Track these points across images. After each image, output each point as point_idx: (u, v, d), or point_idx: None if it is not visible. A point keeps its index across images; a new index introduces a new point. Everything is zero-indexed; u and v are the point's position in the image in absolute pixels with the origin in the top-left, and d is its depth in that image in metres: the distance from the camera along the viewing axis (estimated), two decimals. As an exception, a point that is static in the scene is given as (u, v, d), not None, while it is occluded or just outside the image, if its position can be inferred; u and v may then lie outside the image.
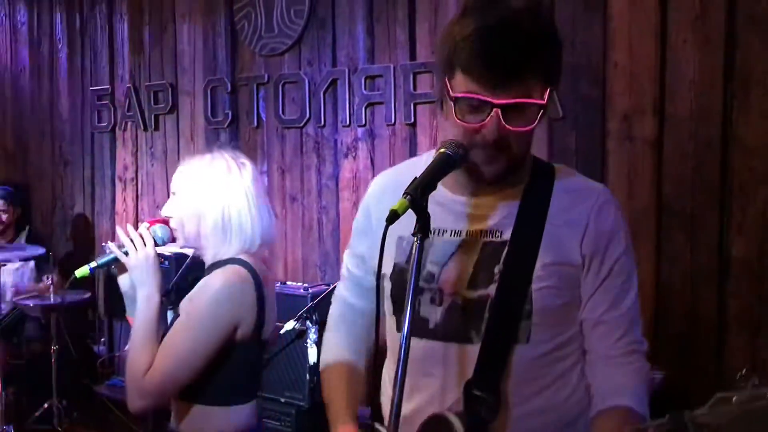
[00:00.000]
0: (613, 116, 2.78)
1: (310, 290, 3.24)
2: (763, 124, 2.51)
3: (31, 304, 3.79)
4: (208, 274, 1.70)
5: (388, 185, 1.41)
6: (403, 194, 1.12)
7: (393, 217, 1.10)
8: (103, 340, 4.41)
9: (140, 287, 1.67)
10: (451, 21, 1.23)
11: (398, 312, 1.34)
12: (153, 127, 4.30)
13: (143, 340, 1.64)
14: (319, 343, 2.99)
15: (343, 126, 3.52)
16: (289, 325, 2.98)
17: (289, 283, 3.50)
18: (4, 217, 4.34)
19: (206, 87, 4.00)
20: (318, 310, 3.02)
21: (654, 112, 2.69)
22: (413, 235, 1.14)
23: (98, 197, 4.68)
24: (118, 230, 1.73)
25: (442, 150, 1.20)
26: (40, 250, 3.97)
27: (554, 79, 1.23)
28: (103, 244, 1.73)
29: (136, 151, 4.44)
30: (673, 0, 2.65)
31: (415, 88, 3.25)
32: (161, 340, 1.66)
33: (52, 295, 3.84)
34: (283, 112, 3.71)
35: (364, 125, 3.44)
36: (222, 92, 3.95)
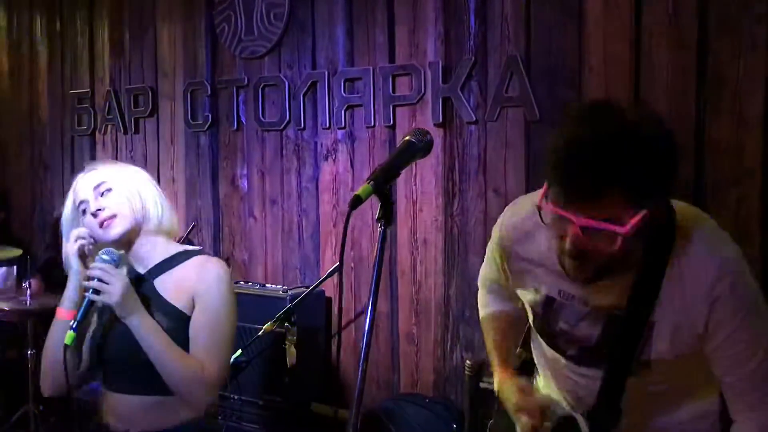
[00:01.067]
0: (588, 118, 2.81)
1: (290, 292, 3.24)
2: (734, 126, 2.54)
3: (7, 308, 3.75)
4: (168, 267, 1.78)
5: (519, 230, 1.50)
6: (367, 180, 1.14)
7: (356, 201, 1.13)
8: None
9: (134, 315, 1.67)
10: (559, 126, 1.22)
11: (544, 337, 1.54)
12: (133, 130, 4.29)
13: (174, 350, 1.68)
14: (298, 346, 3.00)
15: (323, 128, 3.52)
16: (268, 326, 2.98)
17: (268, 285, 3.49)
18: None
19: (186, 90, 4.00)
20: (297, 312, 3.03)
21: (628, 114, 2.71)
22: (377, 220, 1.17)
23: (78, 201, 4.65)
24: (83, 281, 1.70)
25: (407, 138, 1.22)
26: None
27: (647, 202, 1.16)
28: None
29: (116, 154, 4.42)
30: (646, 4, 2.68)
31: (394, 91, 3.27)
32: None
33: (28, 300, 3.80)
34: (263, 115, 3.71)
35: (344, 128, 3.45)
36: (202, 95, 3.94)
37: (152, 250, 1.79)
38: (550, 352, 1.56)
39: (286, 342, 2.96)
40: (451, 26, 3.13)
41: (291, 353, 2.97)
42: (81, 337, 1.72)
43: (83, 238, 1.76)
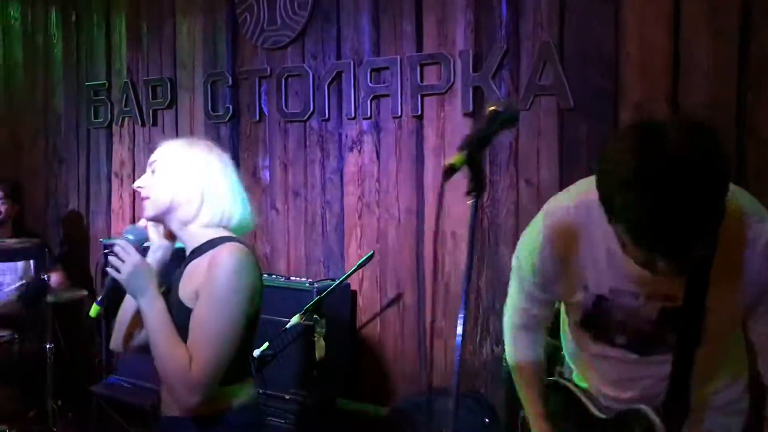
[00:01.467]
0: (625, 106, 2.76)
1: (316, 285, 3.19)
2: (778, 113, 2.49)
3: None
4: (194, 257, 1.69)
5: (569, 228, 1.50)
6: (459, 148, 1.10)
7: (450, 171, 1.08)
8: (99, 340, 4.32)
9: (141, 295, 1.63)
10: (612, 172, 1.20)
11: (592, 330, 1.57)
12: (151, 122, 4.23)
13: (167, 339, 1.60)
14: (326, 338, 2.95)
15: (348, 119, 3.47)
16: (295, 319, 2.92)
17: (292, 278, 3.44)
18: (2, 208, 4.24)
19: (206, 81, 3.94)
20: (324, 304, 2.98)
21: (667, 101, 2.67)
22: (468, 193, 1.12)
23: (93, 194, 4.59)
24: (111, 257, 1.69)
25: (492, 108, 1.19)
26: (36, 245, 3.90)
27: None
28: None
29: (133, 147, 4.36)
30: (686, -10, 2.63)
31: (422, 80, 3.22)
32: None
33: (48, 294, 3.76)
34: (285, 106, 3.66)
35: (370, 118, 3.40)
36: (222, 86, 3.89)
37: (189, 238, 1.73)
38: (595, 345, 1.58)
39: (315, 335, 2.90)
40: (482, 14, 3.08)
41: (320, 346, 2.91)
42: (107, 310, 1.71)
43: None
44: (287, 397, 3.13)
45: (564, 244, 1.48)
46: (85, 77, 4.55)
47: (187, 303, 1.64)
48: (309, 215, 3.65)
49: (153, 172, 1.72)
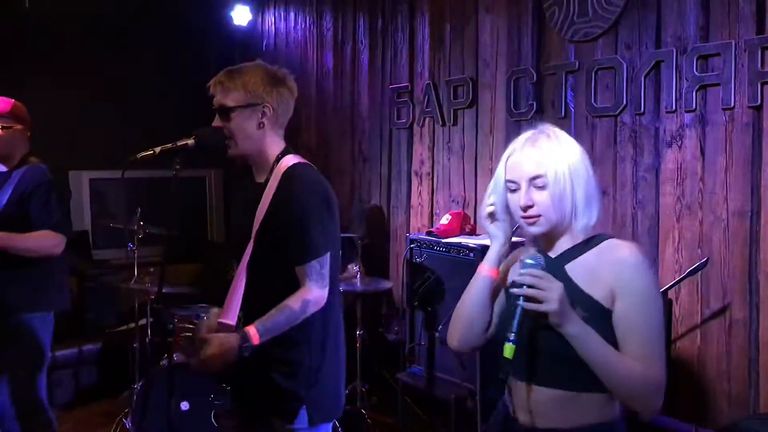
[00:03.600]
0: None
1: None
2: None
3: (341, 289, 3.99)
4: (584, 249, 1.64)
5: None
6: None
7: None
8: (396, 329, 4.54)
9: (569, 323, 1.54)
10: None
11: None
12: (451, 122, 4.33)
13: (616, 357, 1.56)
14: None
15: (667, 112, 3.20)
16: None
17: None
18: None
19: (509, 78, 3.92)
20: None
21: None
22: None
23: (394, 191, 4.84)
24: (515, 288, 1.56)
25: None
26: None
27: None
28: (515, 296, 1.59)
29: (433, 146, 4.50)
30: None
31: (762, 66, 2.84)
32: None
33: (358, 282, 4.02)
34: (594, 101, 3.49)
35: (694, 110, 3.10)
36: (526, 83, 3.84)
37: (562, 239, 1.67)
38: None
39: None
40: None
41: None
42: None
43: (493, 206, 1.72)
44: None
45: None
46: (389, 80, 4.81)
47: (604, 302, 1.58)
48: (618, 216, 3.44)
49: (540, 188, 1.61)
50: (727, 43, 2.95)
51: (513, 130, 3.90)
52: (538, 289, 1.52)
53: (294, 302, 2.01)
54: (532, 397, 1.65)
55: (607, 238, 1.65)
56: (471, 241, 3.61)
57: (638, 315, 1.55)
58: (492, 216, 1.73)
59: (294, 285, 2.06)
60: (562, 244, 1.67)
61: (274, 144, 2.18)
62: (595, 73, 3.47)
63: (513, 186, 1.64)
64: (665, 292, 3.05)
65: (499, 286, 1.77)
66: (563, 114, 3.64)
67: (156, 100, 5.65)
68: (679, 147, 3.18)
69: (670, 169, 3.22)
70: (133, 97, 5.59)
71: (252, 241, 2.11)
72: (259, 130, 2.14)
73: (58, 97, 5.18)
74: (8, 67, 5.02)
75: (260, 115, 2.12)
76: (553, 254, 1.68)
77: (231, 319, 2.09)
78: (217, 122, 2.14)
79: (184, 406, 3.33)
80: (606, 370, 1.53)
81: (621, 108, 3.37)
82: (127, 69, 5.56)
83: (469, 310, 1.75)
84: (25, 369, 3.07)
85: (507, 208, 1.70)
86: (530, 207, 1.61)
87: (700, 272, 3.05)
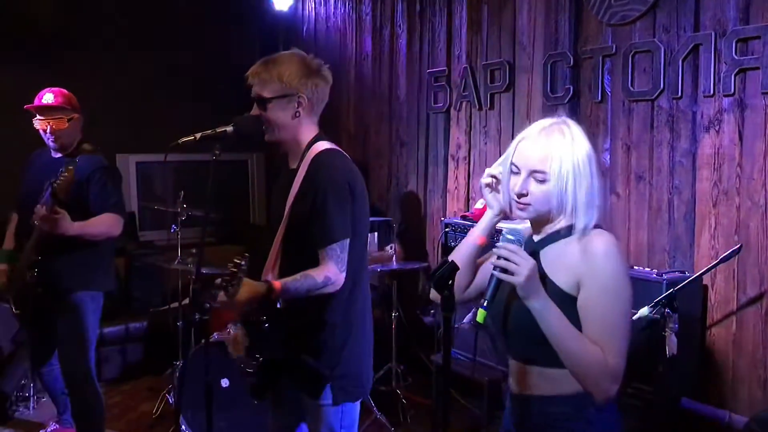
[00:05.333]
0: None
1: (665, 276, 2.98)
2: None
3: (378, 270, 4.06)
4: (559, 237, 1.68)
5: None
6: None
7: None
8: (432, 311, 4.60)
9: (535, 298, 1.59)
10: None
11: None
12: (488, 106, 4.34)
13: (574, 336, 1.59)
14: (678, 333, 2.74)
15: (705, 96, 3.16)
16: (643, 311, 2.76)
17: (636, 267, 3.26)
18: None
19: (545, 62, 3.91)
20: (677, 299, 2.76)
21: None
22: None
23: (431, 176, 4.87)
24: (493, 258, 1.62)
25: None
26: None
27: None
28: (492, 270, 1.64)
29: (470, 130, 4.52)
30: None
31: (804, 49, 2.80)
32: None
33: (394, 264, 4.09)
34: (631, 85, 3.46)
35: (732, 94, 3.05)
36: (563, 67, 3.82)
37: (548, 225, 1.70)
38: None
39: (666, 330, 2.71)
40: None
41: (671, 343, 2.71)
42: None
43: (492, 178, 1.78)
44: (629, 390, 2.98)
45: None
46: (427, 64, 4.83)
47: (570, 290, 1.62)
48: (654, 201, 3.42)
49: (540, 181, 1.64)
50: (766, 25, 2.90)
51: (550, 114, 3.87)
52: (509, 261, 1.58)
53: (316, 273, 2.10)
54: (513, 368, 1.75)
55: (596, 232, 1.65)
56: (505, 225, 3.61)
57: (600, 303, 1.59)
58: (490, 186, 1.79)
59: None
60: (548, 230, 1.71)
61: (308, 131, 2.25)
62: (633, 56, 3.44)
63: (515, 169, 1.69)
64: (700, 278, 3.04)
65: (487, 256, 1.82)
66: (600, 98, 3.62)
67: (201, 85, 5.77)
68: (717, 132, 3.14)
69: (707, 154, 3.18)
70: (178, 83, 5.73)
71: (283, 224, 2.19)
72: (295, 119, 2.21)
73: (106, 83, 5.35)
74: (58, 54, 5.20)
75: (296, 105, 2.20)
76: (537, 237, 1.73)
77: None
78: (255, 111, 2.22)
79: (224, 383, 3.46)
80: (565, 347, 1.57)
81: (658, 92, 3.34)
82: (172, 56, 5.69)
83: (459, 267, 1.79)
84: (75, 344, 3.22)
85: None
86: (524, 195, 1.66)
87: (736, 258, 3.03)
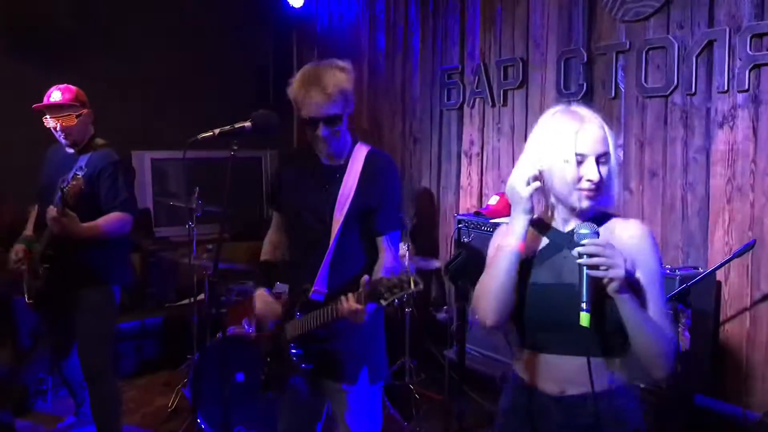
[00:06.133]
0: None
1: (678, 272, 2.98)
2: None
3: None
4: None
5: None
6: None
7: None
8: (446, 308, 4.61)
9: (625, 289, 1.59)
10: None
11: None
12: (501, 102, 4.34)
13: (647, 317, 1.64)
14: (691, 329, 2.75)
15: (719, 92, 3.16)
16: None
17: (649, 263, 3.26)
18: None
19: (559, 59, 3.91)
20: (690, 294, 2.77)
21: None
22: None
23: (444, 172, 4.89)
24: (584, 258, 1.56)
25: None
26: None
27: None
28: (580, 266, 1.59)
29: (483, 127, 4.53)
30: None
31: (819, 45, 2.79)
32: None
33: (407, 260, 4.10)
34: (645, 81, 3.46)
35: (747, 90, 3.05)
36: (576, 63, 3.82)
37: (575, 216, 1.72)
38: None
39: (679, 325, 2.72)
40: None
41: (683, 338, 2.72)
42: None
43: (537, 181, 1.69)
44: (642, 385, 2.99)
45: None
46: (440, 61, 4.84)
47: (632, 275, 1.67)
48: (667, 197, 3.42)
49: (603, 164, 1.65)
50: (782, 21, 2.90)
51: (562, 111, 3.89)
52: (602, 257, 1.55)
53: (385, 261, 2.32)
54: (544, 366, 1.73)
55: (613, 217, 1.73)
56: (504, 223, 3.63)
57: (655, 282, 1.66)
58: (535, 179, 1.69)
59: (373, 256, 2.33)
60: (573, 222, 1.72)
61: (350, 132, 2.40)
62: (646, 53, 3.44)
63: (580, 158, 1.65)
64: (713, 274, 3.04)
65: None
66: (613, 94, 3.63)
67: (216, 82, 5.81)
68: (731, 128, 3.14)
69: (721, 151, 3.18)
70: (193, 80, 5.76)
71: (342, 216, 2.28)
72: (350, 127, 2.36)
73: (121, 80, 5.39)
74: (72, 50, 5.25)
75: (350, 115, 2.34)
76: (566, 227, 1.74)
77: (321, 288, 2.31)
78: (321, 130, 2.23)
79: (240, 377, 3.50)
80: (644, 330, 1.60)
81: (672, 88, 3.34)
82: (187, 53, 5.73)
83: (503, 284, 1.72)
84: (94, 338, 3.27)
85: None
86: (591, 180, 1.64)
87: (750, 254, 3.03)
